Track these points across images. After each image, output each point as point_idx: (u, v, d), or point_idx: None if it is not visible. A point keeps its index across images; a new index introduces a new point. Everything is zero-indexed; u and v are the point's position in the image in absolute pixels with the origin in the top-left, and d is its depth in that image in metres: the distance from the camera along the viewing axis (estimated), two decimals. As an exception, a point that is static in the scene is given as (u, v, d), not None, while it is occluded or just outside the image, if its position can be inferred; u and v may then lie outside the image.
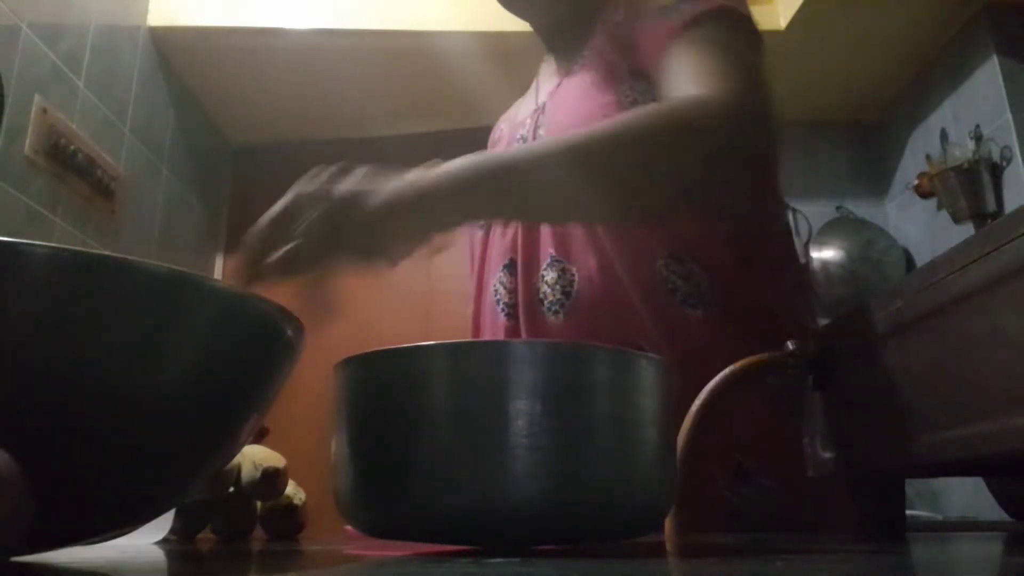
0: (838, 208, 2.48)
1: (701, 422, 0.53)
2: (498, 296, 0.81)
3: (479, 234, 0.86)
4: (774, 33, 2.20)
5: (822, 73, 2.34)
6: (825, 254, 2.40)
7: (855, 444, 0.48)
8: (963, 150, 2.06)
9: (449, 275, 2.62)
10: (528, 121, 0.83)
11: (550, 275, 0.73)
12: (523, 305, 0.75)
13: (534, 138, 0.79)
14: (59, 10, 1.75)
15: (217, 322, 0.30)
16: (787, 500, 0.66)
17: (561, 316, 0.72)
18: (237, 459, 0.56)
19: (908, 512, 0.53)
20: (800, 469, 0.54)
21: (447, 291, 2.59)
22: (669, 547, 0.44)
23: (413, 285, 2.61)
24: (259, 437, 0.59)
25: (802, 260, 2.41)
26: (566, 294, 0.72)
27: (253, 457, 0.57)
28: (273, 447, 0.59)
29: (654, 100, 0.68)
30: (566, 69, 0.81)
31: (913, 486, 2.08)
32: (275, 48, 2.28)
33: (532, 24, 0.87)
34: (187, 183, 2.46)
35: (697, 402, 0.53)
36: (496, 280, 0.82)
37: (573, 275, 0.72)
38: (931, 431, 0.38)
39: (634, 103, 0.70)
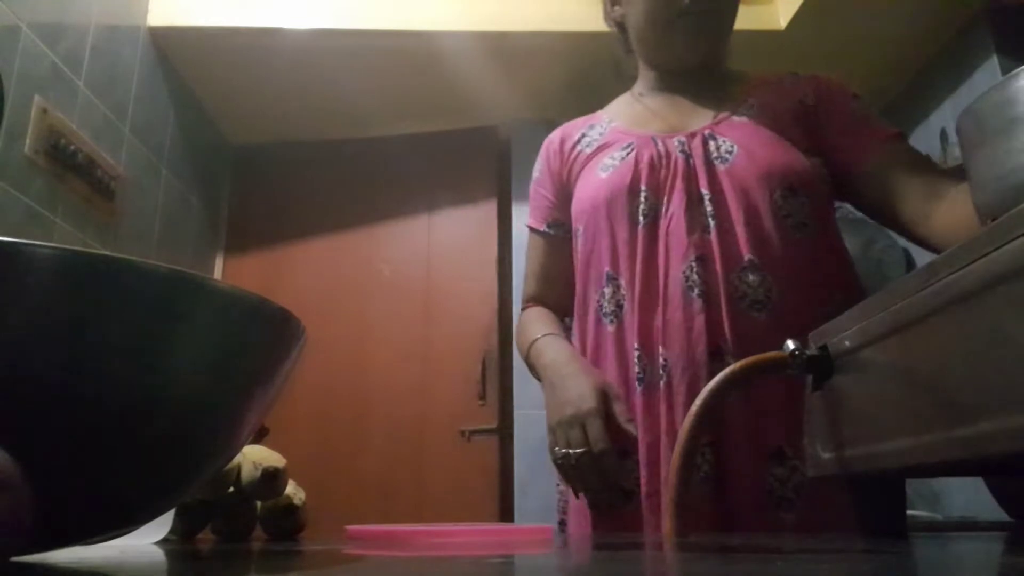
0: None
1: (702, 421, 0.53)
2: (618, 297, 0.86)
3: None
4: (774, 33, 2.20)
5: (822, 73, 2.34)
6: (825, 254, 2.40)
7: (855, 444, 0.48)
8: (963, 150, 2.06)
9: (448, 276, 2.62)
10: (686, 139, 0.88)
11: (752, 276, 0.80)
12: (723, 300, 0.79)
13: (705, 158, 0.86)
14: (59, 10, 1.75)
15: (217, 322, 0.30)
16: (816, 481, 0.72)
17: (764, 315, 0.79)
18: (237, 459, 0.56)
19: (908, 512, 0.53)
20: None
21: (447, 291, 2.60)
22: (669, 547, 0.44)
23: (413, 285, 2.62)
24: (259, 437, 0.59)
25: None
26: (768, 296, 0.79)
27: (253, 457, 0.57)
28: (273, 447, 0.59)
29: (822, 170, 0.87)
30: (717, 107, 0.92)
31: (913, 486, 2.08)
32: (275, 48, 2.29)
33: (686, 65, 0.95)
34: (187, 183, 2.46)
35: (698, 401, 0.53)
36: (675, 276, 0.82)
37: (770, 279, 0.80)
38: (931, 431, 0.38)
39: (809, 168, 0.86)
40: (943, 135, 2.19)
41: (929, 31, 2.17)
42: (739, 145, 0.86)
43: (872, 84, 2.43)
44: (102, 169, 1.89)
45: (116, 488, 0.30)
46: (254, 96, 2.55)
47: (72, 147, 1.76)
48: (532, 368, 0.93)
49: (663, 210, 0.84)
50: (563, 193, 0.97)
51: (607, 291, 0.86)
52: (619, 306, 0.85)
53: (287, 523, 0.61)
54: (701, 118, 0.92)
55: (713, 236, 0.81)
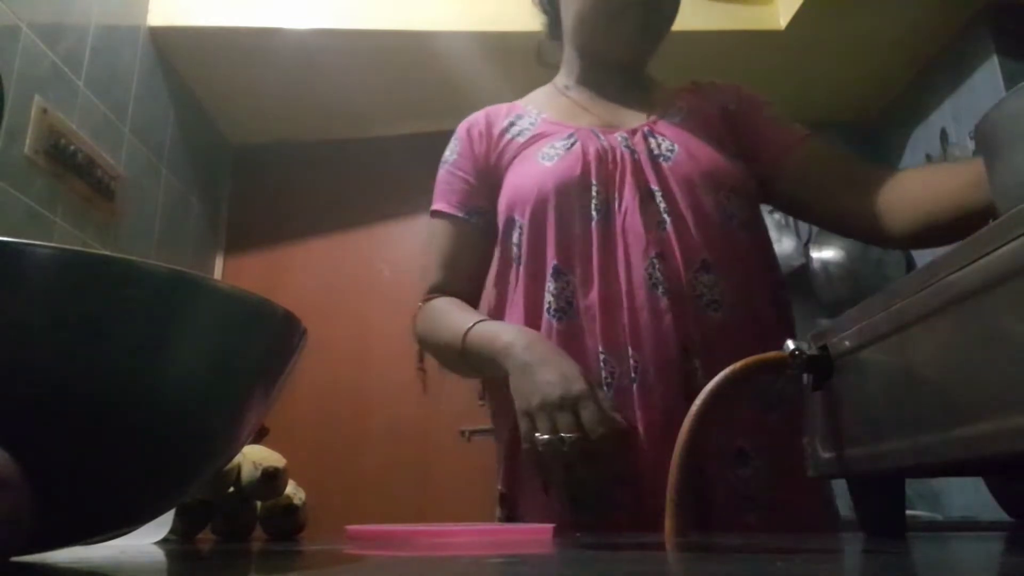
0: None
1: (702, 421, 0.53)
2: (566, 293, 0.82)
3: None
4: (774, 33, 2.20)
5: (822, 73, 2.34)
6: (825, 254, 2.40)
7: (855, 444, 0.48)
8: (963, 150, 2.06)
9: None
10: (627, 135, 0.88)
11: (706, 276, 0.80)
12: (685, 300, 0.79)
13: (649, 154, 0.86)
14: (59, 10, 1.75)
15: (217, 322, 0.30)
16: (775, 480, 0.76)
17: (719, 314, 0.79)
18: (237, 459, 0.56)
19: (908, 512, 0.53)
20: (788, 455, 0.67)
21: (447, 291, 2.60)
22: (669, 547, 0.44)
23: (413, 285, 2.61)
24: (259, 437, 0.59)
25: (803, 261, 2.42)
26: (722, 296, 0.79)
27: (253, 457, 0.57)
28: (273, 447, 0.59)
29: (747, 174, 0.88)
30: (646, 109, 0.93)
31: (913, 486, 2.08)
32: (275, 48, 2.28)
33: (623, 58, 0.95)
34: (187, 183, 2.46)
35: (698, 401, 0.53)
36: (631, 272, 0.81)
37: (722, 279, 0.80)
38: (931, 431, 0.38)
39: (744, 170, 0.88)
40: (943, 135, 2.19)
41: (929, 31, 2.17)
42: (678, 144, 0.87)
43: (872, 84, 2.44)
44: (102, 169, 1.89)
45: (116, 488, 0.30)
46: (254, 96, 2.55)
47: (72, 147, 1.76)
48: (468, 356, 0.83)
49: (616, 205, 0.82)
50: (487, 179, 0.93)
51: (553, 286, 0.82)
52: (569, 303, 0.81)
53: (287, 523, 0.61)
54: (633, 117, 0.92)
55: (670, 233, 0.80)
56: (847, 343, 0.48)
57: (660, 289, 0.78)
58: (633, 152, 0.86)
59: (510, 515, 0.85)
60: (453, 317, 0.89)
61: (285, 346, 0.34)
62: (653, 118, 0.91)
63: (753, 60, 2.29)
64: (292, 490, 0.61)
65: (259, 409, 0.35)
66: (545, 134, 0.91)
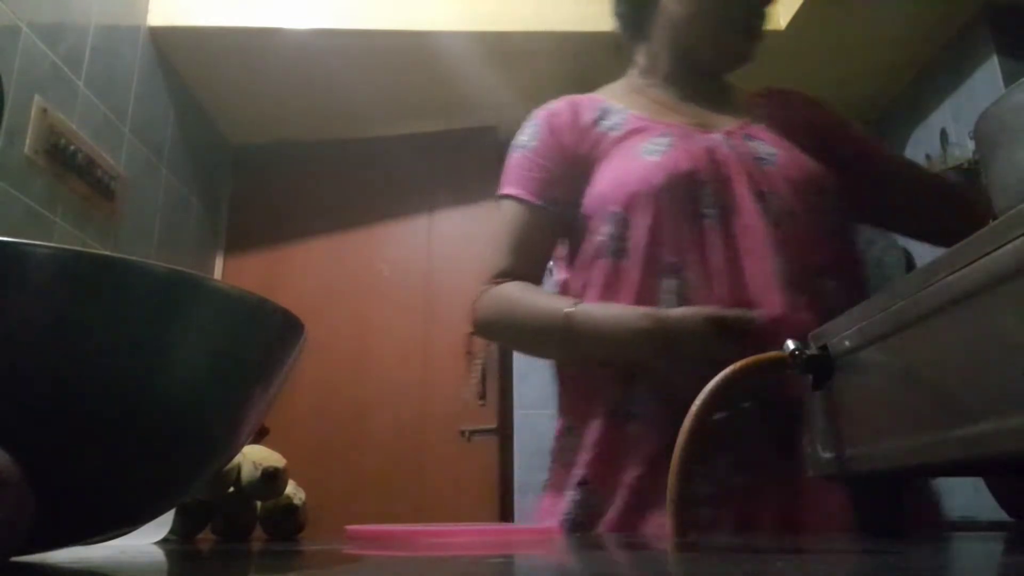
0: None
1: (703, 421, 0.53)
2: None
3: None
4: (774, 33, 2.20)
5: (822, 73, 2.34)
6: (825, 254, 2.40)
7: (855, 444, 0.48)
8: (963, 150, 2.06)
9: (448, 276, 2.62)
10: (725, 136, 0.89)
11: (829, 282, 0.81)
12: (813, 301, 0.80)
13: (752, 155, 0.86)
14: (59, 10, 1.75)
15: (217, 322, 0.30)
16: (762, 418, 0.75)
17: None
18: (237, 459, 0.56)
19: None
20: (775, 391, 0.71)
21: (447, 291, 2.60)
22: (669, 546, 0.44)
23: (413, 285, 2.62)
24: (259, 437, 0.59)
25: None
26: (837, 301, 0.79)
27: (253, 457, 0.57)
28: (273, 447, 0.59)
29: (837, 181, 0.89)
30: (732, 112, 0.94)
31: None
32: (275, 48, 2.29)
33: (725, 62, 0.97)
34: (187, 183, 2.46)
35: (698, 401, 0.53)
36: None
37: (840, 284, 0.82)
38: (931, 431, 0.38)
39: (832, 179, 0.89)
40: (943, 135, 2.19)
41: (929, 31, 2.17)
42: (777, 148, 0.87)
43: (872, 84, 2.44)
44: (102, 169, 1.89)
45: (116, 488, 0.30)
46: (254, 96, 2.55)
47: (72, 147, 1.76)
48: (577, 334, 0.80)
49: (731, 204, 0.82)
50: (571, 169, 0.91)
51: (670, 283, 0.80)
52: (686, 300, 0.79)
53: (287, 523, 0.61)
54: (721, 120, 0.92)
55: (788, 235, 0.81)
56: (847, 343, 0.48)
57: (791, 290, 0.78)
58: (737, 152, 0.86)
59: (588, 501, 0.82)
60: (542, 300, 0.87)
61: (285, 346, 0.34)
62: (745, 121, 0.92)
63: (753, 60, 2.29)
64: (292, 490, 0.61)
65: (259, 409, 0.35)
66: (640, 129, 0.90)
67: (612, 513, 0.79)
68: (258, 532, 0.61)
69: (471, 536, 0.57)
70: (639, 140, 0.88)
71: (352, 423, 2.48)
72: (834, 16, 2.10)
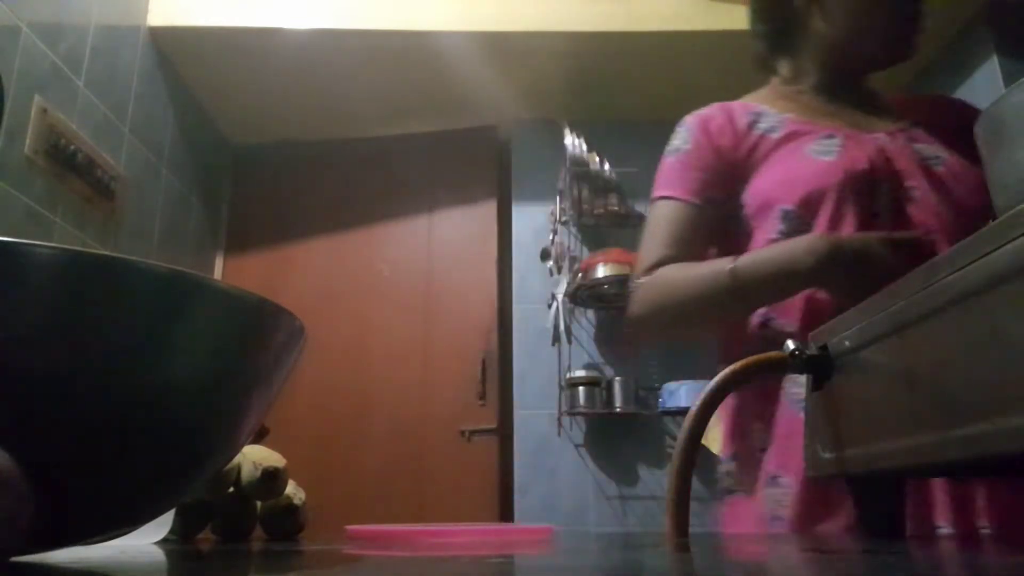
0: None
1: (703, 420, 0.53)
2: None
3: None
4: (774, 33, 2.20)
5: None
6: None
7: (855, 444, 0.48)
8: (963, 150, 2.06)
9: (448, 276, 2.62)
10: (889, 138, 0.90)
11: None
12: None
13: (919, 158, 0.87)
14: (59, 10, 1.75)
15: (217, 322, 0.30)
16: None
17: None
18: (237, 459, 0.56)
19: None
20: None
21: (447, 291, 2.60)
22: (668, 546, 0.44)
23: (413, 285, 2.62)
24: (259, 437, 0.59)
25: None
26: None
27: (253, 457, 0.57)
28: (273, 447, 0.59)
29: None
30: (887, 117, 0.95)
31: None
32: (275, 48, 2.29)
33: (887, 62, 0.97)
34: (187, 183, 2.46)
35: (698, 401, 0.53)
36: None
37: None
38: (931, 431, 0.38)
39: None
40: (943, 135, 2.19)
41: (929, 31, 2.17)
42: (941, 151, 0.88)
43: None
44: (102, 169, 1.89)
45: (116, 488, 0.30)
46: (254, 96, 2.56)
47: (72, 147, 1.76)
48: (743, 283, 0.82)
49: (904, 204, 0.84)
50: (728, 170, 0.93)
51: None
52: None
53: (287, 523, 0.61)
54: (877, 123, 0.93)
55: (967, 229, 0.82)
56: (847, 343, 0.48)
57: None
58: (906, 152, 0.87)
59: (783, 498, 0.82)
60: (702, 267, 0.88)
61: (285, 346, 0.34)
62: (903, 124, 0.93)
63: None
64: (292, 490, 0.61)
65: (259, 409, 0.35)
66: (800, 132, 0.92)
67: (799, 507, 0.78)
68: (258, 532, 0.61)
69: (471, 536, 0.57)
70: (804, 141, 0.90)
71: (352, 423, 2.48)
72: (834, 16, 2.10)
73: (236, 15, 2.21)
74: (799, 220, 0.86)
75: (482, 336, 2.51)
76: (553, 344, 2.38)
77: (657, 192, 0.96)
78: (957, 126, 0.93)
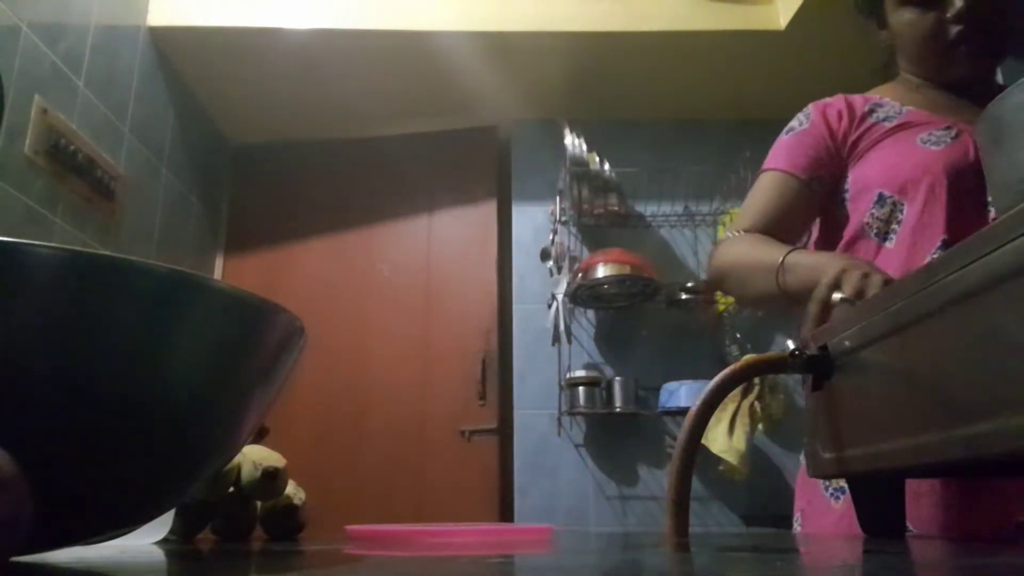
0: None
1: (703, 420, 0.53)
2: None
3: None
4: (774, 33, 2.20)
5: (822, 73, 2.34)
6: (825, 254, 2.40)
7: (855, 444, 0.48)
8: (963, 150, 2.06)
9: (448, 276, 2.62)
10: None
11: None
12: None
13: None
14: (59, 10, 1.75)
15: (217, 322, 0.30)
16: None
17: None
18: (237, 459, 0.56)
19: (908, 512, 0.53)
20: None
21: (447, 291, 2.60)
22: (668, 546, 0.44)
23: (413, 285, 2.62)
24: (259, 437, 0.59)
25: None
26: None
27: (253, 457, 0.57)
28: (273, 447, 0.59)
29: None
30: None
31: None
32: (275, 48, 2.29)
33: (965, 80, 0.98)
34: (187, 183, 2.46)
35: (698, 401, 0.53)
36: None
37: None
38: (931, 431, 0.38)
39: None
40: (943, 135, 2.19)
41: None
42: None
43: (872, 84, 2.43)
44: (102, 169, 1.89)
45: (116, 488, 0.30)
46: (254, 96, 2.55)
47: (72, 147, 1.76)
48: (785, 271, 0.84)
49: None
50: (838, 153, 0.96)
51: None
52: None
53: (287, 523, 0.61)
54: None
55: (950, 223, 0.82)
56: (847, 343, 0.48)
57: None
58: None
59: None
60: (770, 247, 0.90)
61: (285, 346, 0.34)
62: None
63: (753, 60, 2.29)
64: (292, 490, 0.61)
65: (259, 409, 0.35)
66: (915, 123, 0.93)
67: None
68: (258, 532, 0.61)
69: (471, 536, 0.57)
70: (917, 131, 0.91)
71: (352, 423, 2.48)
72: (834, 16, 2.10)
73: (236, 15, 2.21)
74: (894, 206, 0.88)
75: (482, 336, 2.51)
76: (553, 344, 2.38)
77: (766, 164, 0.99)
78: None
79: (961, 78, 0.97)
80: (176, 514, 0.55)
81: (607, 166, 2.44)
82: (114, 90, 1.98)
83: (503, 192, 2.68)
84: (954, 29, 0.91)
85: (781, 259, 0.83)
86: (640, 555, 0.37)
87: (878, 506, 0.52)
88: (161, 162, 2.27)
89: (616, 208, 2.47)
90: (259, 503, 0.60)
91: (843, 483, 0.80)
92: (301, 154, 2.80)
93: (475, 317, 2.52)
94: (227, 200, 2.80)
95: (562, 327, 2.33)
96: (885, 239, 0.88)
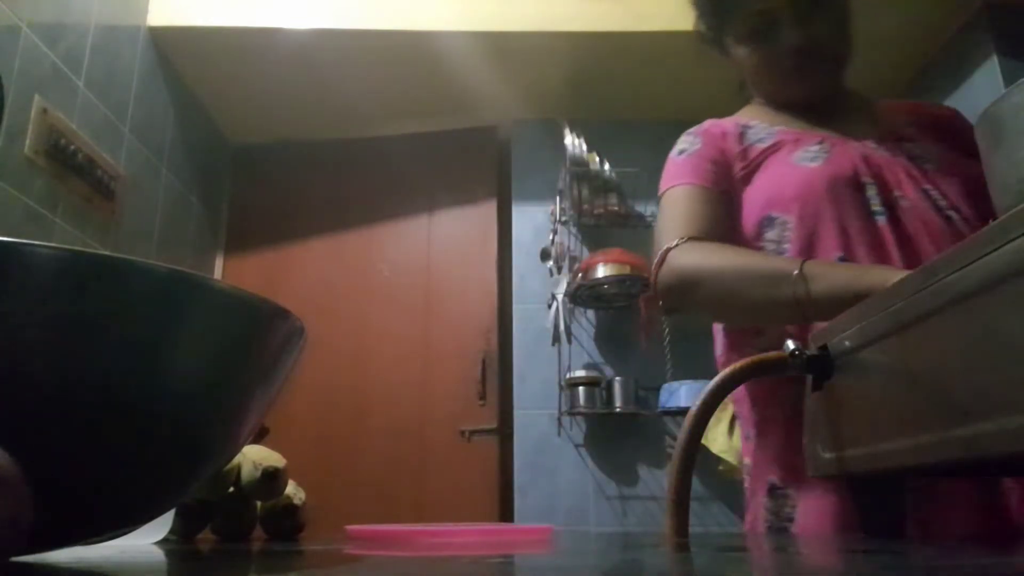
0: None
1: (703, 420, 0.53)
2: None
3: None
4: (774, 33, 2.20)
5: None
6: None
7: (855, 444, 0.48)
8: (963, 150, 2.06)
9: (448, 276, 2.62)
10: (876, 143, 0.90)
11: None
12: None
13: (910, 158, 0.88)
14: (59, 10, 1.75)
15: (217, 322, 0.30)
16: None
17: None
18: (237, 459, 0.56)
19: (908, 512, 0.53)
20: None
21: (447, 291, 2.60)
22: (668, 546, 0.44)
23: (413, 285, 2.62)
24: (259, 437, 0.59)
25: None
26: None
27: (253, 457, 0.57)
28: (273, 447, 0.59)
29: None
30: (875, 122, 0.95)
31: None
32: (275, 48, 2.29)
33: (808, 101, 0.97)
34: (187, 183, 2.46)
35: (698, 401, 0.53)
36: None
37: None
38: (931, 431, 0.38)
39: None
40: (943, 135, 2.19)
41: (929, 31, 2.17)
42: (932, 154, 0.88)
43: (872, 84, 2.43)
44: (102, 169, 1.89)
45: (116, 488, 0.30)
46: (254, 96, 2.55)
47: (72, 147, 1.76)
48: (810, 280, 0.75)
49: (899, 204, 0.84)
50: (728, 172, 0.95)
51: None
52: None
53: (287, 523, 0.61)
54: (866, 129, 0.94)
55: (959, 231, 0.82)
56: (847, 343, 0.48)
57: None
58: (894, 157, 0.88)
59: (780, 510, 0.82)
60: (759, 255, 0.86)
61: (285, 346, 0.34)
62: (892, 131, 0.94)
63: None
64: (292, 490, 0.61)
65: (259, 409, 0.35)
66: (786, 141, 0.93)
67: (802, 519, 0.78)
68: (258, 532, 0.61)
69: (471, 536, 0.57)
70: (791, 149, 0.91)
71: (352, 423, 2.48)
72: (834, 16, 2.10)
73: (236, 15, 2.21)
74: (783, 227, 0.86)
75: (482, 336, 2.51)
76: (553, 344, 2.38)
77: (671, 183, 0.95)
78: (951, 136, 0.94)
79: (808, 98, 0.97)
80: (176, 514, 0.55)
81: (607, 166, 2.44)
82: (114, 90, 1.98)
83: (503, 192, 2.68)
84: (787, 62, 0.93)
85: (798, 268, 0.76)
86: (640, 555, 0.37)
87: (878, 506, 0.52)
88: (161, 162, 2.27)
89: (616, 208, 2.47)
90: (259, 503, 0.60)
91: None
92: (301, 154, 2.80)
93: (475, 317, 2.52)
94: (227, 200, 2.80)
95: (562, 327, 2.33)
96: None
